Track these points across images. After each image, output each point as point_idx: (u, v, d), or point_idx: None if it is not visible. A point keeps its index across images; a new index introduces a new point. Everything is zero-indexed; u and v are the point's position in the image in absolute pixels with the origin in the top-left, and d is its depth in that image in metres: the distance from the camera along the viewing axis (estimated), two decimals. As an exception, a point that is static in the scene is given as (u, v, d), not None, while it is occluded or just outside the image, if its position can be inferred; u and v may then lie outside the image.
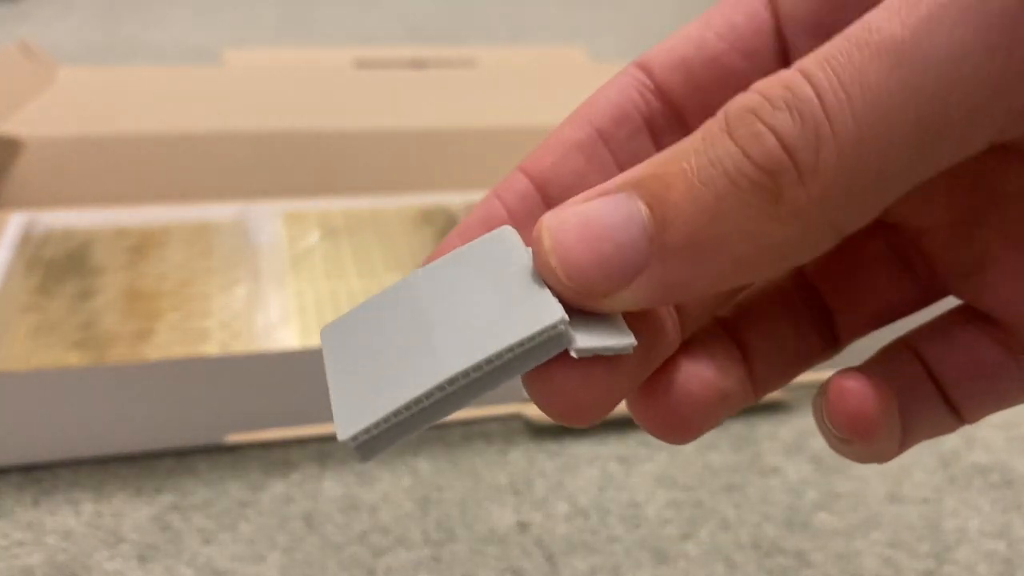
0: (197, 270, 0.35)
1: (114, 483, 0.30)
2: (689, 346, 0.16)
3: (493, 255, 0.14)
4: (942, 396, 0.17)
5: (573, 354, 0.13)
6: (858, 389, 0.16)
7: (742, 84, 0.16)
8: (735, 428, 0.34)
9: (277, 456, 0.32)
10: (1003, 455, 0.34)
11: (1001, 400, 0.17)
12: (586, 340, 0.13)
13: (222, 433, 0.31)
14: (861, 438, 0.16)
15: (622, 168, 0.17)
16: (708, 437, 0.34)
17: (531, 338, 0.13)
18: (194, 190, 0.43)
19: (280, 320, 0.32)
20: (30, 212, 0.39)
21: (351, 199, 0.42)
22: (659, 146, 0.17)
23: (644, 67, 0.17)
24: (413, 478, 0.31)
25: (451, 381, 0.13)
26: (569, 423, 0.14)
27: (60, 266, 0.35)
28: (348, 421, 0.13)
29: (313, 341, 0.31)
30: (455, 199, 0.43)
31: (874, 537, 0.30)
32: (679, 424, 0.16)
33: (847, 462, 0.33)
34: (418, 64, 0.61)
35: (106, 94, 0.50)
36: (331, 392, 0.14)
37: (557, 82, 0.58)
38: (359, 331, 0.15)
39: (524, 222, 0.16)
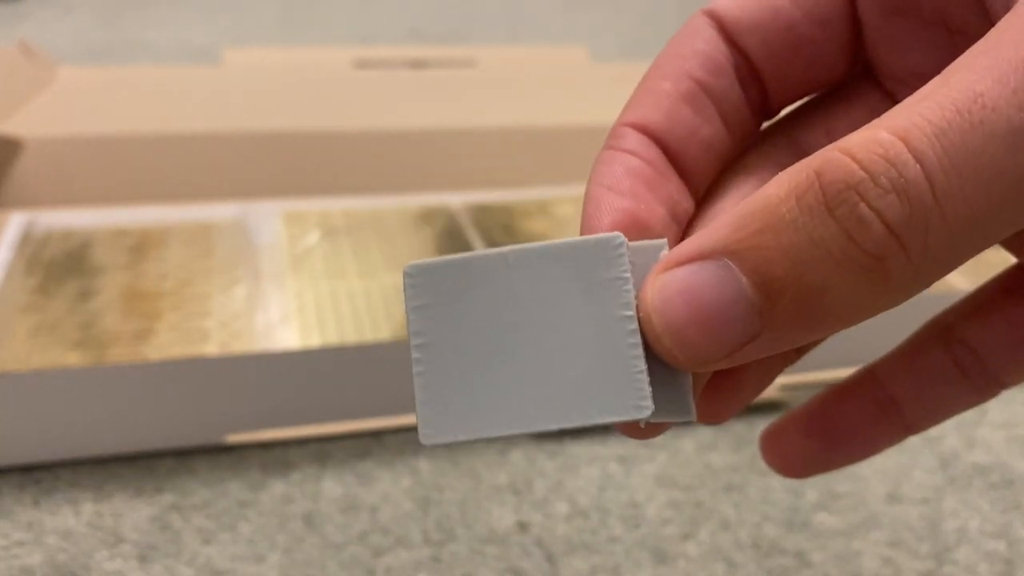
0: (197, 270, 0.35)
1: (114, 483, 0.30)
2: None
3: (600, 273, 0.14)
4: (973, 373, 0.19)
5: (640, 424, 0.14)
6: (786, 450, 0.20)
7: (815, 53, 0.17)
8: (735, 428, 0.34)
9: (277, 456, 0.32)
10: (1003, 455, 0.34)
11: None
12: (656, 413, 0.14)
13: (222, 433, 0.31)
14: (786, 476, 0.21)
15: (725, 119, 0.17)
16: (708, 437, 0.34)
17: (612, 421, 0.14)
18: (194, 190, 0.43)
19: (280, 320, 0.32)
20: (30, 212, 0.39)
21: (351, 199, 0.42)
22: (748, 97, 0.17)
23: (717, 20, 0.17)
24: (413, 478, 0.31)
25: (533, 431, 0.14)
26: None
27: (60, 266, 0.35)
28: (433, 427, 0.14)
29: (313, 341, 0.31)
30: (455, 199, 0.43)
31: (874, 537, 0.30)
32: (725, 412, 0.18)
33: (847, 462, 0.33)
34: (418, 64, 0.61)
35: (106, 94, 0.50)
36: (416, 377, 0.14)
37: (557, 82, 0.58)
38: (449, 300, 0.14)
39: (663, 172, 0.16)
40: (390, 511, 0.30)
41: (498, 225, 0.40)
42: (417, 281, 0.14)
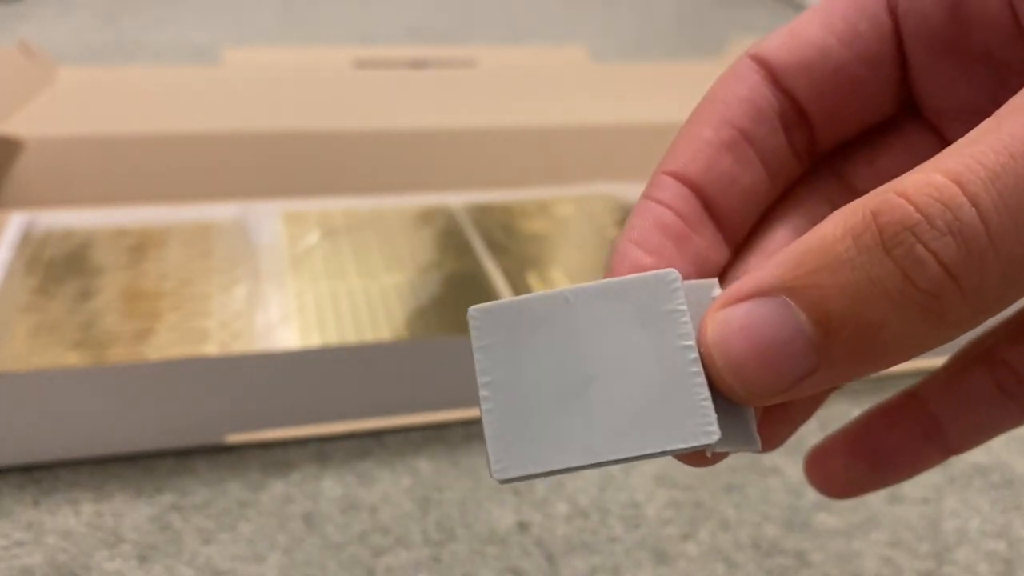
0: (197, 270, 0.35)
1: (114, 483, 0.30)
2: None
3: (657, 306, 0.14)
4: (1016, 394, 0.19)
5: (707, 453, 0.14)
6: (830, 468, 0.20)
7: (864, 93, 0.17)
8: (735, 428, 0.34)
9: (277, 456, 0.32)
10: (1003, 455, 0.34)
11: None
12: (722, 443, 0.14)
13: (222, 433, 0.31)
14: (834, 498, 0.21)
15: (767, 166, 0.17)
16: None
17: (681, 449, 0.14)
18: (194, 190, 0.43)
19: (280, 320, 0.32)
20: (30, 212, 0.39)
21: (351, 199, 0.42)
22: (791, 143, 0.17)
23: (763, 63, 0.17)
24: (413, 478, 0.31)
25: (603, 462, 0.14)
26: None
27: (60, 266, 0.35)
28: (504, 462, 0.14)
29: (313, 341, 0.31)
30: (455, 199, 0.43)
31: (874, 537, 0.30)
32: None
33: (847, 462, 0.33)
34: (418, 64, 0.61)
35: (106, 94, 0.50)
36: (484, 414, 0.14)
37: (557, 82, 0.58)
38: (513, 340, 0.15)
39: (695, 225, 0.17)
40: (390, 511, 0.30)
41: (498, 225, 0.40)
42: (481, 323, 0.15)
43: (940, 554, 0.29)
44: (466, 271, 0.36)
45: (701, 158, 0.17)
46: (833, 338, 0.13)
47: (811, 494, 0.31)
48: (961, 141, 0.12)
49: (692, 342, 0.14)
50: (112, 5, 0.86)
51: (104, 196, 0.42)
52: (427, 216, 0.41)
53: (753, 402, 0.14)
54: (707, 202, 0.17)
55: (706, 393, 0.14)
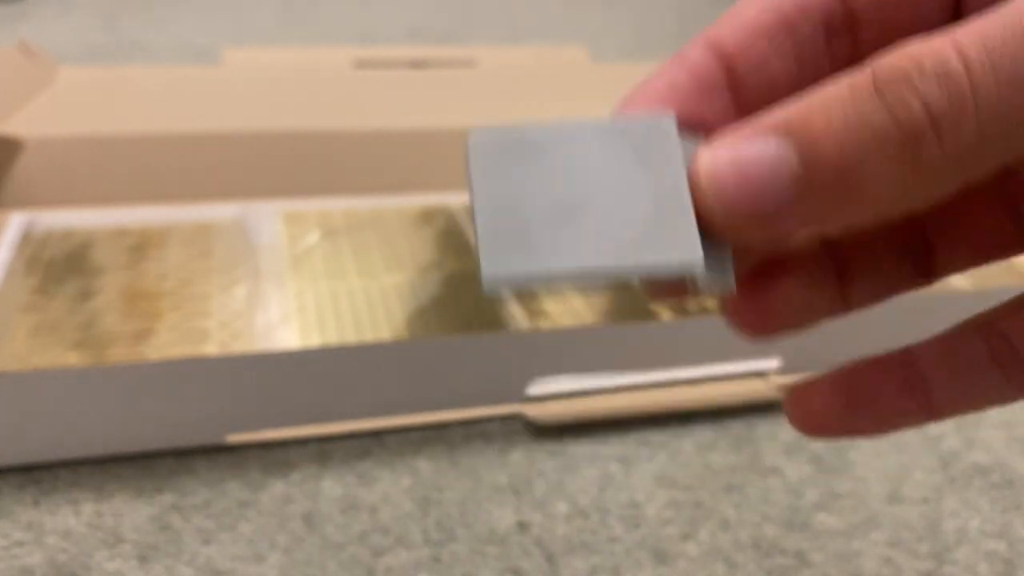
0: (197, 270, 0.35)
1: (114, 483, 0.30)
2: (789, 260, 0.19)
3: (653, 144, 0.15)
4: (1007, 364, 0.19)
5: (687, 282, 0.15)
6: (815, 404, 0.20)
7: (918, 5, 0.17)
8: (735, 428, 0.34)
9: (277, 456, 0.32)
10: (1003, 455, 0.34)
11: None
12: (700, 273, 0.15)
13: (222, 433, 0.31)
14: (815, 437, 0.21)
15: (799, 62, 0.18)
16: (708, 437, 0.34)
17: (667, 267, 0.15)
18: (194, 190, 0.43)
19: (280, 320, 0.32)
20: (30, 212, 0.39)
21: (351, 199, 0.42)
22: (830, 50, 0.18)
23: None
24: (413, 478, 0.31)
25: (590, 273, 0.15)
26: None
27: (60, 266, 0.35)
28: (494, 267, 0.15)
29: (313, 341, 0.31)
30: (455, 199, 0.43)
31: (874, 537, 0.30)
32: (763, 325, 0.19)
33: (847, 462, 0.33)
34: (418, 64, 0.61)
35: (106, 94, 0.50)
36: (477, 227, 0.15)
37: (557, 82, 0.58)
38: (510, 163, 0.15)
39: (707, 94, 0.17)
40: (390, 511, 0.30)
41: (498, 225, 0.40)
42: (480, 144, 0.15)
43: (940, 554, 0.29)
44: (466, 271, 0.36)
45: (738, 36, 0.17)
46: (815, 170, 0.14)
47: (811, 494, 0.31)
48: (968, 18, 0.13)
49: (684, 179, 0.15)
50: (112, 5, 0.86)
51: (104, 196, 0.42)
52: (427, 216, 0.41)
53: (731, 228, 0.15)
54: (732, 76, 0.17)
55: (693, 220, 0.15)
